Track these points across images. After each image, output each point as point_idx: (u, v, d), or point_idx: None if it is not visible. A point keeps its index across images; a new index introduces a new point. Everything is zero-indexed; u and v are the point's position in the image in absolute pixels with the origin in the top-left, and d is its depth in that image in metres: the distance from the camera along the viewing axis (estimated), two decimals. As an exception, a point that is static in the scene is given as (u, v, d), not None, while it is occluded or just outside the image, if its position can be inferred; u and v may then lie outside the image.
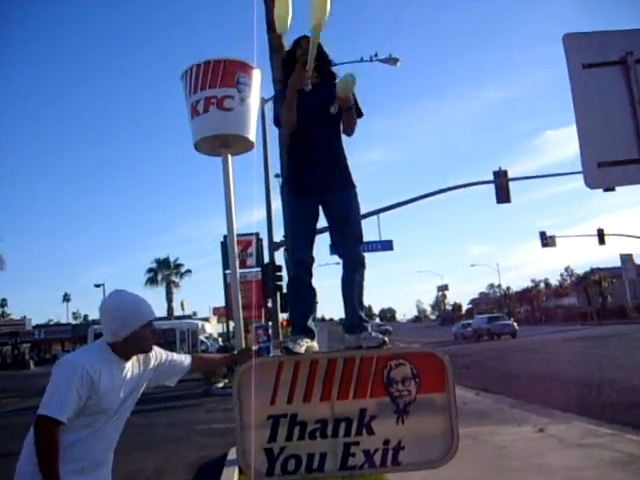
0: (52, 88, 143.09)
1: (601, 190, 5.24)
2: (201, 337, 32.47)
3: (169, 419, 16.97)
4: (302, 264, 4.33)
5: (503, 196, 26.16)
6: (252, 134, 13.31)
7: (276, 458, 3.79)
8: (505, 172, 26.56)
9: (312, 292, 4.39)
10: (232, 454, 9.48)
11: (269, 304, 26.05)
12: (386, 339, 4.04)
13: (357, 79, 4.19)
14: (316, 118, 4.31)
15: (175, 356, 3.80)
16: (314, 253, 4.43)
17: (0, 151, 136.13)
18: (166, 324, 38.14)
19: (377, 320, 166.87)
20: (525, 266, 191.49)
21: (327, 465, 3.80)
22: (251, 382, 3.74)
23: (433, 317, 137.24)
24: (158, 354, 3.69)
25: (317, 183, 4.29)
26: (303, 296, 4.36)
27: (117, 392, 3.26)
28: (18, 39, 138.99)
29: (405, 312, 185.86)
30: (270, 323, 21.68)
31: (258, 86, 13.43)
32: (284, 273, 23.62)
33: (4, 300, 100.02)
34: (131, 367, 3.40)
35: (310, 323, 4.29)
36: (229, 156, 13.71)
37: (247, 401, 3.78)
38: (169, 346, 31.80)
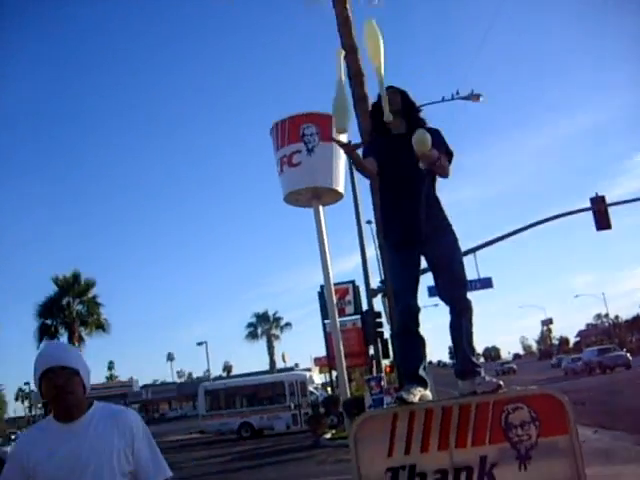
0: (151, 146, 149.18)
1: None
2: (310, 388, 32.43)
3: (279, 473, 16.97)
4: (409, 313, 4.32)
5: (603, 222, 25.28)
6: (335, 181, 13.38)
7: (398, 511, 3.72)
8: (602, 197, 25.70)
9: (421, 340, 4.37)
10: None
11: (371, 351, 25.94)
12: (501, 383, 3.95)
13: (429, 132, 4.21)
14: (408, 168, 4.31)
15: (151, 465, 3.01)
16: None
17: (103, 220, 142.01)
18: (274, 377, 38.53)
19: (482, 359, 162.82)
20: (633, 293, 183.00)
21: (449, 516, 3.71)
22: (367, 434, 3.73)
23: (537, 352, 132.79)
24: (140, 438, 3.03)
25: (416, 235, 4.29)
26: (412, 345, 4.33)
27: (64, 459, 2.77)
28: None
29: (510, 349, 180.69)
30: (381, 374, 21.53)
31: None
32: (384, 319, 23.54)
33: (111, 363, 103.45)
34: (84, 428, 2.87)
35: (422, 372, 4.26)
36: (320, 207, 13.88)
37: (364, 454, 3.76)
38: (278, 399, 31.91)
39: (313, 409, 28.25)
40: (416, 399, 3.95)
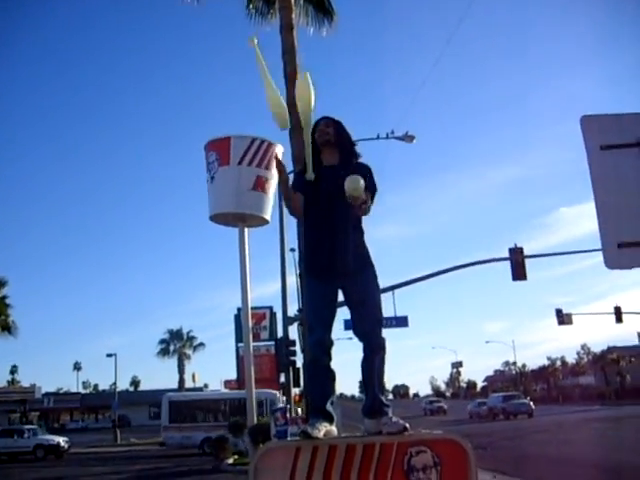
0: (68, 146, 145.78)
1: (618, 268, 5.17)
2: (279, 406, 31.32)
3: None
4: (321, 346, 4.27)
5: (519, 273, 26.04)
6: (268, 212, 13.30)
7: None
8: (521, 249, 26.51)
9: (331, 374, 4.31)
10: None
11: (282, 378, 25.80)
12: (407, 425, 3.93)
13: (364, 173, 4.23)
14: (335, 201, 4.25)
15: None
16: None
17: (15, 214, 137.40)
18: (242, 393, 36.28)
19: (391, 396, 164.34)
20: (541, 343, 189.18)
21: None
22: (268, 466, 3.65)
23: (448, 394, 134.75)
24: None
25: (337, 269, 4.25)
26: (322, 378, 4.28)
27: None
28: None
29: (418, 388, 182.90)
30: (287, 404, 21.37)
31: (234, 151, 13.28)
32: (297, 348, 23.49)
33: (14, 367, 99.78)
34: None
35: (329, 407, 4.20)
36: (245, 229, 13.75)
37: (263, 486, 3.67)
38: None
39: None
40: (320, 434, 3.88)
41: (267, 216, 13.08)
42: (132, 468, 25.66)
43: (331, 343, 4.31)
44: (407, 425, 3.93)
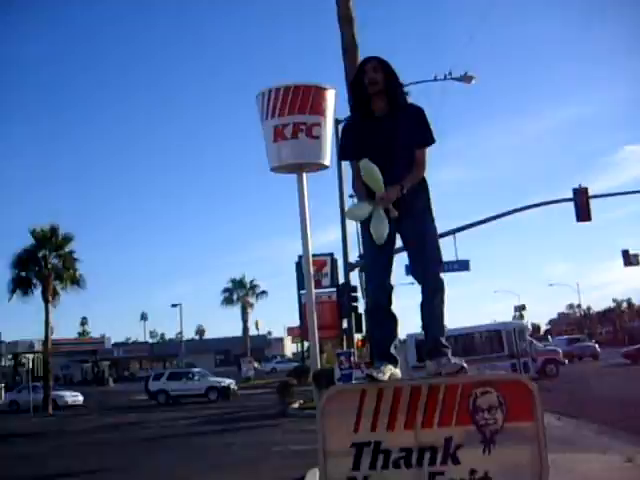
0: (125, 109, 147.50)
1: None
2: (527, 337, 31.26)
3: (245, 439, 17.06)
4: (382, 290, 4.29)
5: (583, 214, 25.46)
6: (328, 157, 13.30)
7: (360, 487, 3.72)
8: (585, 189, 25.85)
9: (393, 319, 4.33)
10: (310, 477, 9.45)
11: (345, 324, 26.05)
12: (464, 365, 3.96)
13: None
14: (389, 153, 4.21)
15: None
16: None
17: (75, 171, 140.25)
18: (490, 326, 34.57)
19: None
20: (607, 286, 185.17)
21: (412, 495, 3.71)
22: (335, 408, 3.71)
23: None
24: None
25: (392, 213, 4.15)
26: (384, 323, 4.30)
27: None
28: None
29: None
30: (352, 348, 21.57)
31: (333, 108, 13.36)
32: (359, 294, 23.62)
33: (84, 319, 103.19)
34: None
35: (392, 350, 4.24)
36: (304, 175, 13.76)
37: (331, 428, 3.74)
38: (496, 347, 29.95)
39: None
40: (385, 377, 3.93)
41: (326, 161, 13.10)
42: (202, 413, 26.51)
43: (391, 287, 4.32)
44: (464, 365, 3.95)
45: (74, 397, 37.01)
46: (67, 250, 38.66)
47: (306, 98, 13.06)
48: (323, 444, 3.74)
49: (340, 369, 11.56)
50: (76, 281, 38.46)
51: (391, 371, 4.05)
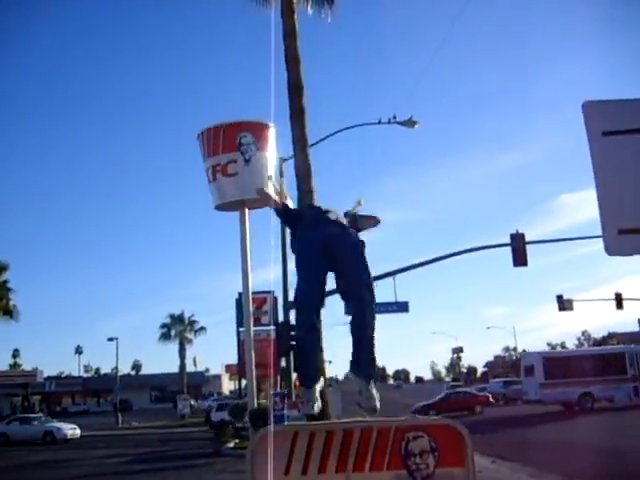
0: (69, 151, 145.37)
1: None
2: None
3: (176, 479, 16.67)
4: (315, 311, 4.36)
5: (520, 259, 26.00)
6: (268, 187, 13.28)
7: (289, 531, 3.66)
8: (522, 235, 26.45)
9: (319, 346, 4.56)
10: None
11: (282, 363, 25.86)
12: (377, 406, 4.10)
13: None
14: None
15: None
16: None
17: (14, 205, 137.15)
18: (614, 348, 36.41)
19: (391, 381, 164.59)
20: (542, 329, 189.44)
21: (343, 543, 3.66)
22: (265, 450, 3.65)
23: (448, 379, 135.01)
24: None
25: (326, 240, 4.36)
26: (314, 343, 4.40)
27: None
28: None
29: (420, 373, 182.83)
30: (285, 389, 21.47)
31: (270, 140, 13.29)
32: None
33: (16, 351, 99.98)
34: None
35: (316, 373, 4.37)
36: (246, 212, 13.74)
37: (261, 469, 3.68)
38: (618, 370, 31.15)
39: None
40: (315, 410, 4.11)
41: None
42: (134, 451, 25.83)
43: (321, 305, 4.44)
44: (377, 406, 4.10)
45: (72, 430, 35.17)
46: (1, 279, 37.62)
47: (217, 138, 13.11)
48: (253, 487, 3.67)
49: (274, 410, 11.43)
50: (8, 312, 37.38)
51: (317, 402, 4.18)
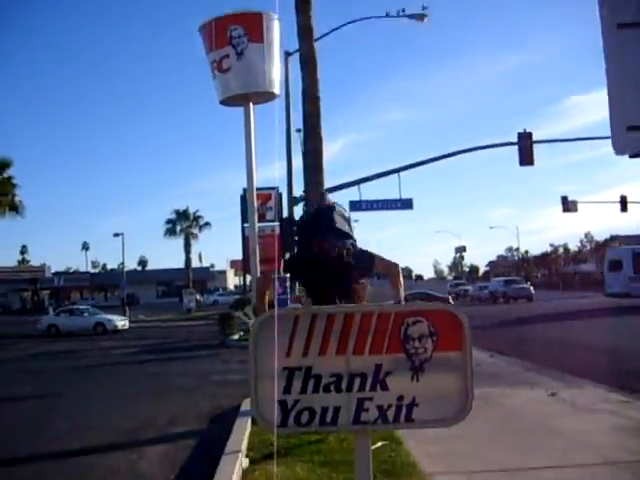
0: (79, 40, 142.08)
1: (627, 157, 5.12)
2: None
3: (184, 368, 17.17)
4: None
5: (526, 158, 25.84)
6: (270, 82, 12.96)
7: (290, 410, 3.78)
8: (529, 134, 26.20)
9: None
10: (245, 405, 9.59)
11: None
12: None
13: None
14: None
15: None
16: None
17: (20, 98, 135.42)
18: None
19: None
20: (545, 231, 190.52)
21: (340, 419, 3.79)
22: (267, 333, 3.73)
23: (450, 278, 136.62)
24: None
25: None
26: None
27: None
28: None
29: (422, 272, 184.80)
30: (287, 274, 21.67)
31: (267, 31, 12.84)
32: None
33: (24, 247, 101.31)
34: None
35: None
36: (251, 107, 13.56)
37: (263, 352, 3.77)
38: None
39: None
40: None
41: (274, 89, 12.94)
42: (141, 343, 26.51)
43: None
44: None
45: (123, 321, 35.86)
46: (5, 175, 37.50)
47: (210, 35, 12.72)
48: (255, 368, 3.77)
49: (276, 294, 11.51)
50: (14, 207, 37.45)
51: None
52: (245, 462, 6.69)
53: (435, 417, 3.87)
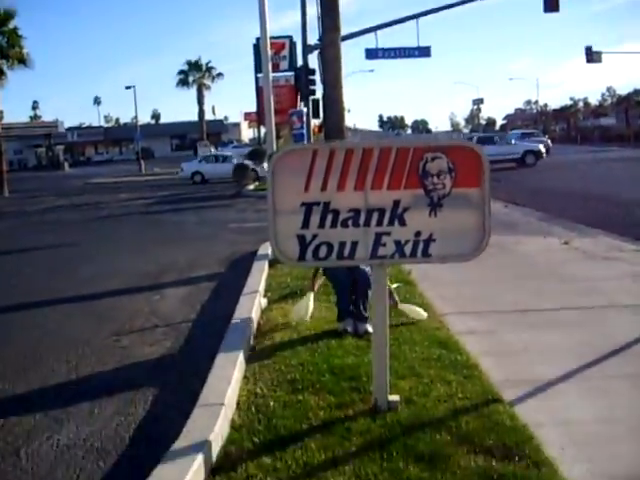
0: None
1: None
2: None
3: (201, 217, 17.39)
4: None
5: (551, 4, 24.67)
6: None
7: (308, 244, 3.83)
8: (555, -23, 24.85)
9: None
10: (263, 250, 9.78)
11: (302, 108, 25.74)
12: None
13: None
14: None
15: None
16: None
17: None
18: None
19: (409, 131, 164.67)
20: (565, 84, 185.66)
21: (358, 253, 3.85)
22: (286, 168, 3.71)
23: (466, 130, 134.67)
24: None
25: None
26: None
27: None
28: None
29: (438, 124, 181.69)
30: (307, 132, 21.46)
31: None
32: (317, 77, 23.09)
33: (35, 102, 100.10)
34: None
35: None
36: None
37: (281, 188, 3.77)
38: None
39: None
40: None
41: None
42: (157, 194, 26.76)
43: None
44: None
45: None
46: (10, 27, 36.32)
47: None
48: (273, 203, 3.79)
49: (292, 129, 11.32)
50: (23, 60, 36.53)
51: None
52: (264, 302, 6.90)
53: (452, 252, 3.93)
